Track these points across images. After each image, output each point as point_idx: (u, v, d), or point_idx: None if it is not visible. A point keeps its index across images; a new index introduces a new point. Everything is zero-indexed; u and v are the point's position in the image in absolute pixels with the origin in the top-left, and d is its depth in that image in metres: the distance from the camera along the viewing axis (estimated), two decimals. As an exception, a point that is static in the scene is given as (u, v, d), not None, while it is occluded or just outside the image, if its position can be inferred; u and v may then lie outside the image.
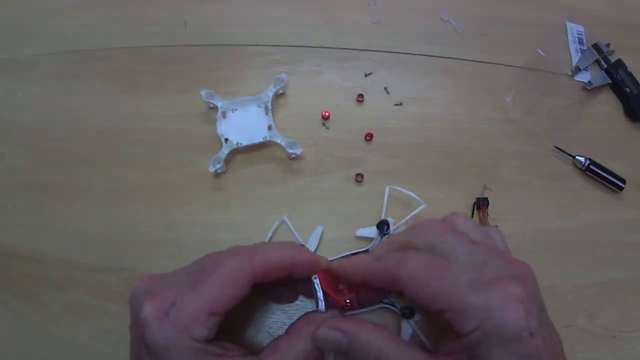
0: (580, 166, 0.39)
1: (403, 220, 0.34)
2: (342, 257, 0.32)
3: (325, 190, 0.37)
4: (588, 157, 0.39)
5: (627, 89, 0.43)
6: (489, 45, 0.44)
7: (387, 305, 0.30)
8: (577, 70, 0.44)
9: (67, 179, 0.37)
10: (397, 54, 0.43)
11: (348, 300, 0.27)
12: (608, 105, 0.43)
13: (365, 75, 0.42)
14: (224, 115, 0.38)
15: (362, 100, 0.40)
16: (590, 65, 0.44)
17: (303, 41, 0.42)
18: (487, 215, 0.37)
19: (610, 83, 0.44)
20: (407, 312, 0.30)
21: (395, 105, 0.41)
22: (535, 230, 0.37)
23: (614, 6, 0.48)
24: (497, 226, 0.35)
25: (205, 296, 0.22)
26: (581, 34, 0.46)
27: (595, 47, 0.45)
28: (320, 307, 0.27)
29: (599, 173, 0.39)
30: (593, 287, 0.36)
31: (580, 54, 0.45)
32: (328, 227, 0.35)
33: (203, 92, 0.38)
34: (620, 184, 0.39)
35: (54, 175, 0.37)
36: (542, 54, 0.44)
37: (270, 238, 0.35)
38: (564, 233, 0.37)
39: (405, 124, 0.40)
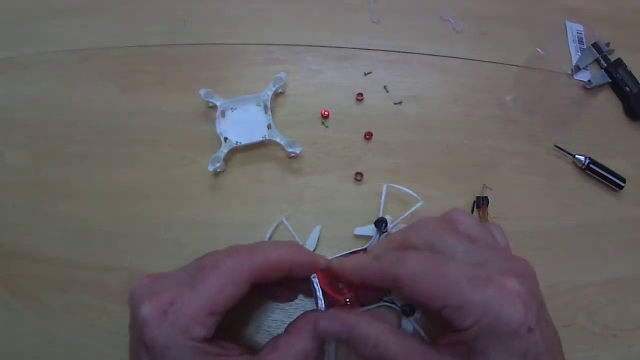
0: (581, 165, 0.39)
1: (401, 218, 0.34)
2: (341, 256, 0.32)
3: (324, 189, 0.37)
4: (588, 156, 0.39)
5: (627, 88, 0.43)
6: (488, 45, 0.44)
7: (388, 304, 0.30)
8: (577, 69, 0.44)
9: (67, 179, 0.37)
10: (396, 53, 0.42)
11: (348, 300, 0.27)
12: (608, 104, 0.43)
13: (365, 74, 0.41)
14: (223, 114, 0.37)
15: (361, 100, 0.40)
16: (590, 64, 0.44)
17: (303, 40, 0.42)
18: (487, 214, 0.36)
19: (610, 82, 0.43)
20: (408, 310, 0.29)
21: (395, 104, 0.40)
22: (535, 229, 0.37)
23: (614, 5, 0.48)
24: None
25: (205, 296, 0.22)
26: (581, 33, 0.46)
27: (595, 46, 0.44)
28: (320, 306, 0.26)
29: (599, 172, 0.39)
30: (593, 286, 0.35)
31: (580, 53, 0.45)
32: (327, 226, 0.35)
33: (202, 92, 0.37)
34: (620, 183, 0.39)
35: (54, 175, 0.37)
36: (542, 53, 0.44)
37: (269, 238, 0.34)
38: (564, 232, 0.37)
39: (405, 123, 0.40)
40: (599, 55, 0.44)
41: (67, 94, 0.40)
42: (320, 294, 0.26)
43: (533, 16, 0.46)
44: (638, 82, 0.43)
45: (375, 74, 0.41)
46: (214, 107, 0.38)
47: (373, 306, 0.30)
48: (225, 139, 0.36)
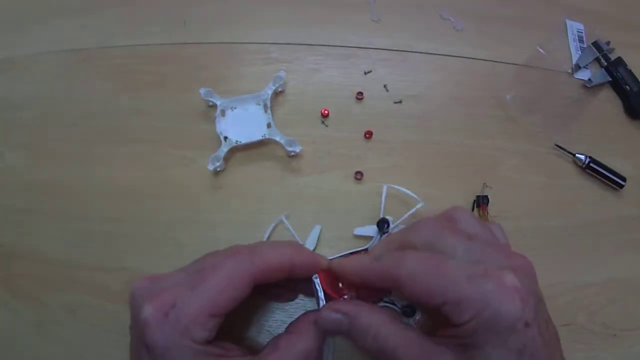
0: (581, 164, 0.39)
1: (402, 219, 0.33)
2: (341, 255, 0.31)
3: (324, 188, 0.36)
4: (588, 155, 0.39)
5: (627, 86, 0.42)
6: (488, 43, 0.43)
7: (388, 304, 0.30)
8: (577, 68, 0.43)
9: (67, 179, 0.36)
10: (396, 52, 0.42)
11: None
12: (608, 103, 0.43)
13: (365, 73, 0.41)
14: (223, 113, 0.37)
15: (361, 98, 0.40)
16: (590, 63, 0.44)
17: (302, 39, 0.42)
18: (487, 213, 0.36)
19: (610, 81, 0.43)
20: (408, 311, 0.29)
21: (395, 103, 0.40)
22: (535, 228, 0.37)
23: (614, 4, 0.47)
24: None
25: (205, 297, 0.22)
26: (581, 32, 0.45)
27: (595, 45, 0.44)
28: (321, 306, 0.26)
29: (599, 171, 0.38)
30: (593, 286, 0.35)
31: (580, 52, 0.44)
32: (327, 226, 0.35)
33: (202, 91, 0.37)
34: (620, 181, 0.38)
35: (54, 175, 0.37)
36: (542, 51, 0.43)
37: (269, 237, 0.34)
38: (564, 231, 0.37)
39: (404, 121, 0.39)
40: (599, 54, 0.44)
41: (67, 93, 0.40)
42: (321, 294, 0.26)
43: (533, 15, 0.46)
44: (638, 81, 0.43)
45: (375, 72, 0.41)
46: (214, 106, 0.37)
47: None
48: (225, 137, 0.36)
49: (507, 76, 0.42)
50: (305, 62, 0.41)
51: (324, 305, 0.25)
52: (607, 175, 0.38)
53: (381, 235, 0.33)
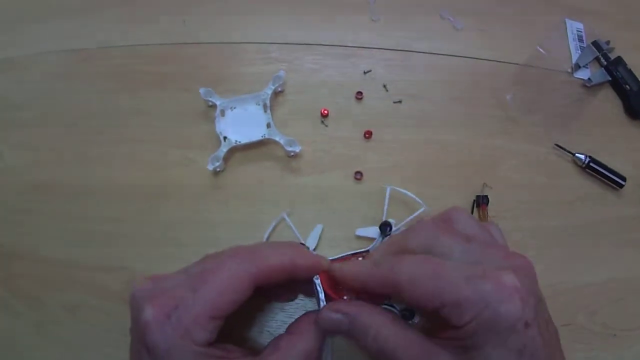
0: (580, 164, 0.39)
1: (405, 222, 0.33)
2: (343, 256, 0.31)
3: (324, 188, 0.36)
4: (588, 154, 0.38)
5: (627, 86, 0.42)
6: (488, 43, 0.43)
7: (387, 307, 0.30)
8: (577, 67, 0.43)
9: (67, 179, 0.36)
10: (396, 52, 0.42)
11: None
12: (608, 102, 0.42)
13: (364, 72, 0.41)
14: (222, 113, 0.37)
15: (361, 98, 0.40)
16: (590, 62, 0.43)
17: (302, 39, 0.41)
18: (487, 213, 0.36)
19: (610, 80, 0.43)
20: (407, 314, 0.29)
21: (395, 102, 0.40)
22: (535, 228, 0.36)
23: (614, 3, 0.47)
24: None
25: (207, 300, 0.22)
26: (581, 31, 0.45)
27: (595, 44, 0.44)
28: (321, 307, 0.26)
29: (599, 170, 0.38)
30: (593, 285, 0.35)
31: (580, 51, 0.44)
32: (327, 225, 0.35)
33: (202, 90, 0.37)
34: (620, 181, 0.38)
35: (54, 175, 0.36)
36: (542, 51, 0.43)
37: (269, 236, 0.34)
38: (564, 231, 0.37)
39: (404, 121, 0.39)
40: (598, 53, 0.43)
41: (67, 93, 0.39)
42: (322, 295, 0.26)
43: (532, 14, 0.45)
44: (638, 80, 0.42)
45: (375, 72, 0.41)
46: (213, 106, 0.37)
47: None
48: (225, 137, 0.36)
49: (507, 76, 0.42)
50: (305, 62, 0.41)
51: (324, 306, 0.25)
52: (607, 175, 0.38)
53: (383, 238, 0.32)
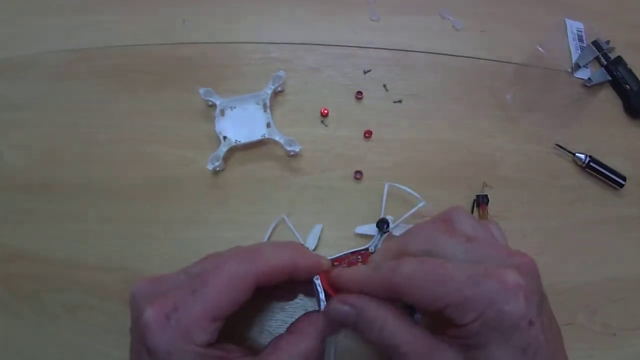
0: (581, 163, 0.38)
1: (402, 218, 0.33)
2: (342, 255, 0.31)
3: (324, 187, 0.36)
4: (588, 154, 0.38)
5: (627, 85, 0.42)
6: (488, 43, 0.43)
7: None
8: (577, 67, 0.43)
9: (67, 179, 0.36)
10: (395, 51, 0.41)
11: None
12: (608, 102, 0.42)
13: (364, 72, 0.41)
14: (222, 113, 0.37)
15: (361, 98, 0.39)
16: (590, 62, 0.43)
17: (302, 38, 0.41)
18: (487, 212, 0.36)
19: (610, 80, 0.42)
20: (408, 311, 0.29)
21: (394, 102, 0.40)
22: (535, 227, 0.36)
23: (614, 3, 0.47)
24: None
25: (207, 301, 0.22)
26: (581, 31, 0.45)
27: (595, 44, 0.43)
28: (322, 308, 0.26)
29: (599, 170, 0.38)
30: (593, 285, 0.35)
31: (580, 51, 0.44)
32: (327, 225, 0.34)
33: (201, 90, 0.37)
34: (620, 181, 0.38)
35: (54, 175, 0.36)
36: (542, 51, 0.43)
37: (269, 237, 0.34)
38: (564, 230, 0.36)
39: (404, 121, 0.39)
40: (598, 53, 0.43)
41: (67, 93, 0.39)
42: (322, 295, 0.26)
43: (532, 14, 0.45)
44: (638, 80, 0.42)
45: (375, 72, 0.41)
46: (213, 106, 0.37)
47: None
48: (224, 137, 0.35)
49: (507, 75, 0.42)
50: (305, 61, 0.40)
51: (332, 298, 0.25)
52: (607, 175, 0.38)
53: (381, 236, 0.32)
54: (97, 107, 0.39)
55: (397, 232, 0.33)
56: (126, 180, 0.36)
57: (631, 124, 0.42)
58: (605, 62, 0.43)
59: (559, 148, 0.39)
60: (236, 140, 0.35)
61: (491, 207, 0.36)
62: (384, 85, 0.40)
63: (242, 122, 0.36)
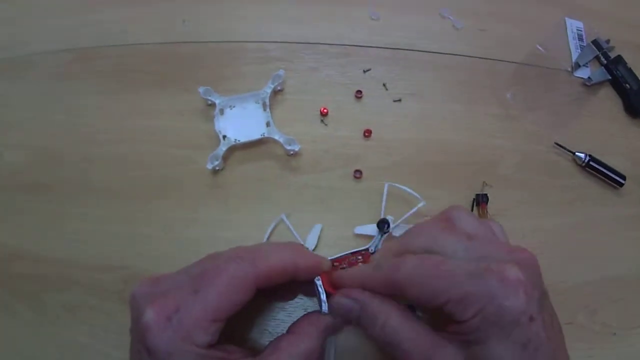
0: (580, 162, 0.38)
1: (402, 218, 0.33)
2: (343, 255, 0.31)
3: (323, 186, 0.36)
4: (588, 153, 0.38)
5: (627, 85, 0.42)
6: (488, 42, 0.42)
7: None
8: (577, 66, 0.42)
9: (67, 179, 0.36)
10: (395, 50, 0.41)
11: None
12: (608, 101, 0.42)
13: (364, 71, 0.40)
14: (221, 112, 0.36)
15: (360, 97, 0.39)
16: (589, 61, 0.43)
17: (301, 37, 0.41)
18: (487, 212, 0.35)
19: (610, 79, 0.42)
20: (409, 309, 0.29)
21: (394, 101, 0.39)
22: (535, 227, 0.36)
23: (613, 2, 0.46)
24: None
25: (208, 302, 0.21)
26: (580, 30, 0.45)
27: (595, 43, 0.43)
28: (323, 309, 0.26)
29: (599, 169, 0.38)
30: (593, 284, 0.34)
31: (579, 50, 0.43)
32: (327, 224, 0.34)
33: (201, 89, 0.36)
34: (620, 180, 0.37)
35: (54, 175, 0.36)
36: (542, 50, 0.43)
37: (269, 236, 0.34)
38: (564, 230, 0.36)
39: (404, 120, 0.38)
40: (598, 52, 0.43)
41: (67, 93, 0.39)
42: (323, 296, 0.26)
43: (532, 13, 0.45)
44: (638, 79, 0.42)
45: (374, 71, 0.40)
46: (213, 105, 0.37)
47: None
48: (224, 136, 0.35)
49: (507, 74, 0.41)
50: (305, 60, 0.40)
51: (337, 292, 0.25)
52: (607, 174, 0.38)
53: (382, 236, 0.32)
54: (97, 107, 0.38)
55: (397, 233, 0.33)
56: (126, 180, 0.36)
57: (631, 123, 0.41)
58: (605, 61, 0.43)
59: (558, 147, 0.39)
60: (236, 140, 0.35)
61: (491, 206, 0.35)
62: (384, 85, 0.40)
63: (242, 121, 0.36)
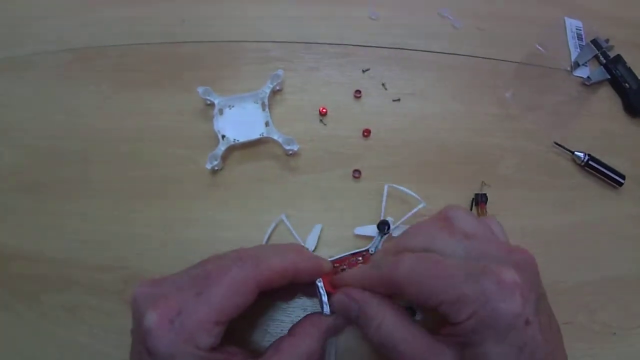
0: (580, 162, 0.38)
1: (403, 219, 0.32)
2: (343, 256, 0.31)
3: (322, 186, 0.35)
4: (587, 152, 0.37)
5: (626, 84, 0.41)
6: (487, 41, 0.42)
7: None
8: (576, 65, 0.42)
9: (67, 179, 0.35)
10: (394, 50, 0.41)
11: None
12: (607, 100, 0.41)
13: (363, 71, 0.40)
14: (221, 112, 0.36)
15: (359, 97, 0.39)
16: (589, 60, 0.42)
17: (300, 37, 0.40)
18: (486, 211, 0.35)
19: (609, 78, 0.41)
20: (409, 311, 0.28)
21: (393, 101, 0.39)
22: (534, 226, 0.35)
23: (613, 1, 0.46)
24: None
25: (211, 305, 0.21)
26: (580, 30, 0.44)
27: (594, 42, 0.43)
28: (325, 310, 0.25)
29: (598, 169, 0.37)
30: (593, 284, 0.34)
31: (579, 50, 0.43)
32: (326, 224, 0.34)
33: (200, 89, 0.36)
34: (619, 179, 0.37)
35: (54, 175, 0.35)
36: (541, 49, 0.42)
37: (269, 237, 0.33)
38: (563, 229, 0.35)
39: (403, 120, 0.38)
40: (597, 52, 0.42)
41: (66, 93, 0.38)
42: (325, 298, 0.26)
43: (531, 12, 0.44)
44: (637, 78, 0.41)
45: (373, 70, 0.40)
46: (212, 105, 0.36)
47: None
48: (223, 136, 0.35)
49: (506, 74, 0.41)
50: (304, 60, 0.40)
51: (337, 290, 0.25)
52: (606, 173, 0.37)
53: (382, 237, 0.32)
54: (96, 107, 0.38)
55: (397, 234, 0.33)
56: (126, 180, 0.35)
57: (630, 122, 0.41)
58: (605, 61, 0.42)
59: (558, 146, 0.38)
60: (235, 139, 0.35)
61: (490, 206, 0.35)
62: (383, 84, 0.39)
63: (241, 121, 0.36)
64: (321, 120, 0.38)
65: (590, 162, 0.37)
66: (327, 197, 0.35)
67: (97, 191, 0.35)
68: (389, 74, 0.40)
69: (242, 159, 0.36)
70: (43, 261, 0.33)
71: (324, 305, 0.25)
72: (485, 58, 0.41)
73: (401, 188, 0.33)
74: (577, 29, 0.44)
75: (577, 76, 0.42)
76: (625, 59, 0.42)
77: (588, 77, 0.41)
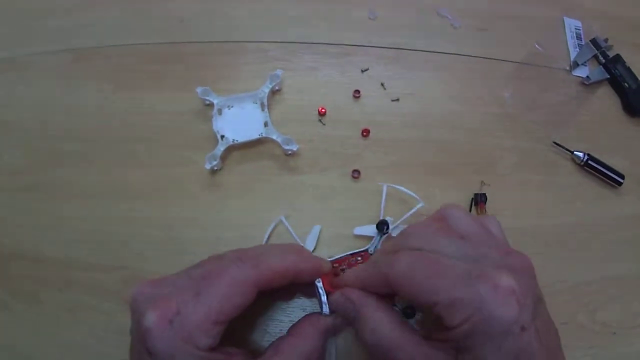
0: (579, 161, 0.37)
1: (402, 219, 0.32)
2: (342, 257, 0.30)
3: (322, 186, 0.35)
4: (586, 152, 0.37)
5: (626, 84, 0.41)
6: (486, 41, 0.41)
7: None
8: (575, 65, 0.41)
9: (66, 179, 0.35)
10: (393, 50, 0.40)
11: None
12: (606, 100, 0.41)
13: (362, 71, 0.40)
14: (219, 112, 0.36)
15: (358, 96, 0.38)
16: (588, 60, 0.42)
17: (299, 37, 0.40)
18: (485, 211, 0.34)
19: (608, 78, 0.41)
20: (409, 312, 0.28)
21: (392, 101, 0.39)
22: (534, 226, 0.35)
23: (612, 1, 0.45)
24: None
25: (210, 305, 0.21)
26: (579, 29, 0.44)
27: (593, 42, 0.42)
28: (324, 310, 0.25)
29: (597, 168, 0.37)
30: (592, 284, 0.33)
31: (578, 49, 0.42)
32: (326, 224, 0.33)
33: (199, 89, 0.35)
34: (618, 179, 0.37)
35: (54, 175, 0.35)
36: (540, 49, 0.42)
37: (268, 237, 0.33)
38: (563, 229, 0.35)
39: (402, 119, 0.38)
40: (597, 51, 0.42)
41: (66, 93, 0.38)
42: (324, 298, 0.25)
43: (531, 12, 0.44)
44: (636, 78, 0.41)
45: (372, 70, 0.39)
46: (211, 105, 0.36)
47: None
48: (222, 136, 0.34)
49: (505, 74, 0.40)
50: (303, 60, 0.39)
51: (336, 290, 0.25)
52: (605, 173, 0.37)
53: (381, 237, 0.31)
54: (95, 107, 0.38)
55: (396, 234, 0.32)
56: (125, 179, 0.35)
57: (629, 122, 0.40)
58: (604, 60, 0.42)
59: (557, 146, 0.38)
60: (234, 140, 0.34)
61: (489, 206, 0.35)
62: (382, 84, 0.39)
63: (240, 121, 0.35)
64: (320, 120, 0.37)
65: (589, 162, 0.37)
66: (326, 197, 0.35)
67: (97, 191, 0.35)
68: (388, 73, 0.39)
69: (241, 159, 0.36)
70: (43, 261, 0.33)
71: (323, 305, 0.25)
72: (484, 58, 0.41)
73: (400, 188, 0.33)
74: (576, 29, 0.44)
75: (576, 76, 0.41)
76: (625, 59, 0.41)
77: (587, 76, 0.41)
